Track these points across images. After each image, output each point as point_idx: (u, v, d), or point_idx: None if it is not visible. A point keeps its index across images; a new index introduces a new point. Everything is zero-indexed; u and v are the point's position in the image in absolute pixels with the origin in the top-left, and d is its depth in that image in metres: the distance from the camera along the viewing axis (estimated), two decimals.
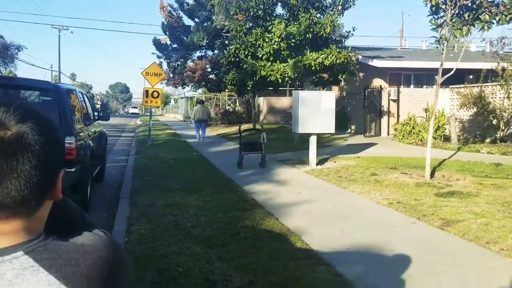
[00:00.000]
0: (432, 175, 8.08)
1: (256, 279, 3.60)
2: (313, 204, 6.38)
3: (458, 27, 7.48)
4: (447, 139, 13.90)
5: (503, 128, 13.28)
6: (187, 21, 26.62)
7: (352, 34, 15.77)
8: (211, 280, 3.58)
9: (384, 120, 17.43)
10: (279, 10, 15.98)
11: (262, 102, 28.00)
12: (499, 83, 13.24)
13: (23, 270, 0.74)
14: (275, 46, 14.31)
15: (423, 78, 17.49)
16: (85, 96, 7.90)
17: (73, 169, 5.45)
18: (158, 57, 27.29)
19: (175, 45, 27.02)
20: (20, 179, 0.74)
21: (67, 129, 5.46)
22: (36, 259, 0.75)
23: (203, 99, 23.78)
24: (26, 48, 41.91)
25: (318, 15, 14.91)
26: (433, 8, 7.79)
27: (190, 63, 26.02)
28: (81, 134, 6.23)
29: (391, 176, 8.21)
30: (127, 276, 0.90)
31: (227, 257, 4.10)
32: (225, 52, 18.37)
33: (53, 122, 0.85)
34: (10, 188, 0.74)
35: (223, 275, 3.69)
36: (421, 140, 14.05)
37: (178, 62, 26.61)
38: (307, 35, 14.17)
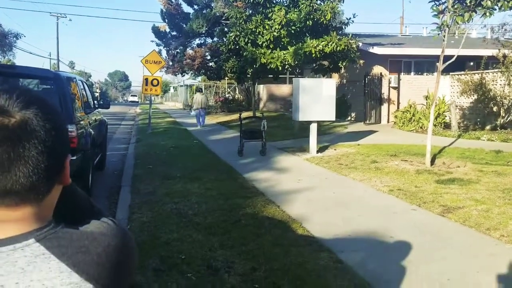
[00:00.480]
0: (432, 162, 8.09)
1: (258, 265, 3.63)
2: (313, 192, 6.40)
3: (460, 13, 7.42)
4: (447, 126, 13.90)
5: (504, 115, 13.26)
6: (186, 8, 26.44)
7: (353, 21, 15.66)
8: (214, 267, 3.61)
9: (385, 107, 17.39)
10: None
11: (262, 90, 27.90)
12: (500, 70, 13.19)
13: (35, 257, 0.75)
14: (275, 33, 14.21)
15: (423, 65, 17.41)
16: (85, 84, 7.88)
17: (74, 157, 5.45)
18: (157, 44, 27.16)
19: (174, 33, 26.84)
20: (27, 165, 0.74)
21: (68, 117, 5.45)
22: (47, 247, 0.76)
23: (201, 88, 23.72)
24: (24, 36, 41.76)
25: (319, 1, 14.78)
26: None
27: (189, 51, 25.88)
28: (81, 122, 6.22)
29: (391, 164, 8.23)
30: (135, 263, 0.91)
31: (229, 244, 4.13)
32: (225, 40, 18.24)
33: (57, 108, 0.84)
34: (19, 174, 0.74)
35: (226, 262, 3.71)
36: (421, 128, 14.04)
37: (178, 50, 26.45)
38: (308, 22, 14.06)
